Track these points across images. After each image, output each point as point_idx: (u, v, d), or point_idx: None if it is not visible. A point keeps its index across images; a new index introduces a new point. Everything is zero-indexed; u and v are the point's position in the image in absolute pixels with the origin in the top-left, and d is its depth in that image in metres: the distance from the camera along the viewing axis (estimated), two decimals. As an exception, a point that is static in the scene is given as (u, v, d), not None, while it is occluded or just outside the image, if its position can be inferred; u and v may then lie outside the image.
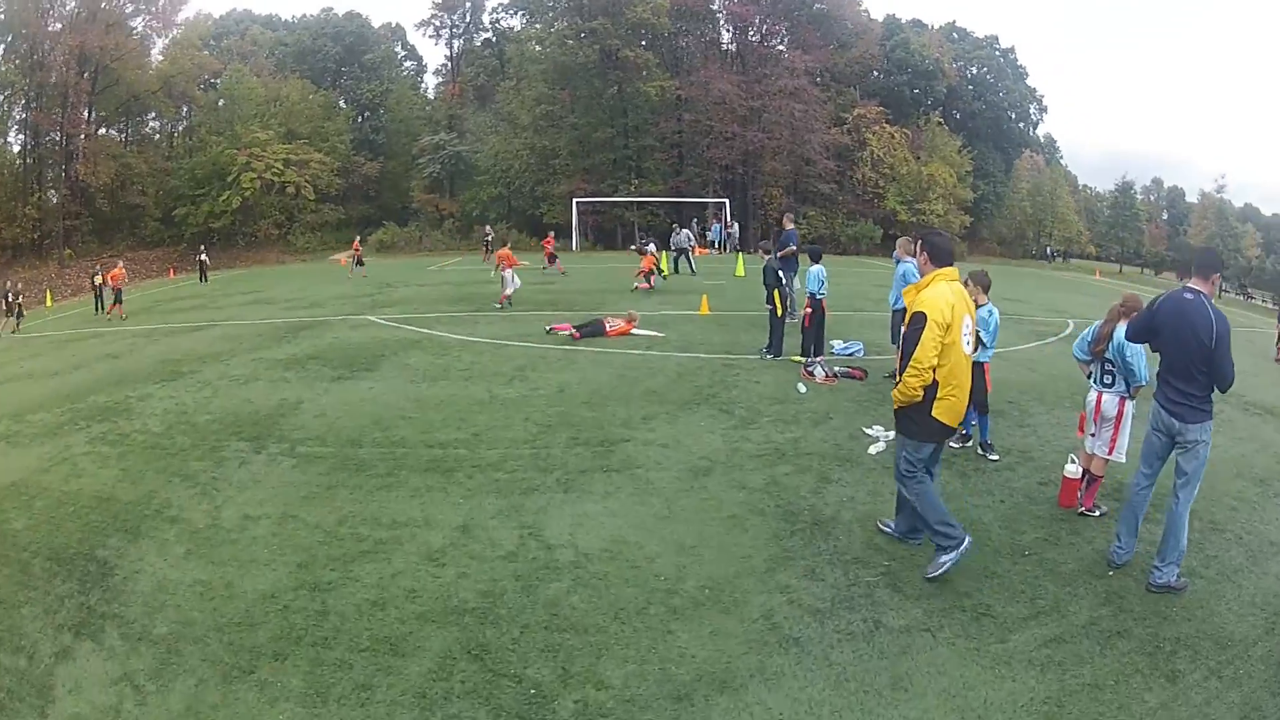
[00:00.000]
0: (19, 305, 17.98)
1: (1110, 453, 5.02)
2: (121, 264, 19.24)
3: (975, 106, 48.58)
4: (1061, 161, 64.01)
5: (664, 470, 5.88)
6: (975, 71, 49.99)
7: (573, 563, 4.47)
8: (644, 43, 37.57)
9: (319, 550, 4.70)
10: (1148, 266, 64.28)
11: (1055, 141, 63.50)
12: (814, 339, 9.23)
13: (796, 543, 4.67)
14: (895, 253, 9.02)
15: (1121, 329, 4.81)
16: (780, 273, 9.72)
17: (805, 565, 4.39)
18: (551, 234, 27.05)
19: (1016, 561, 4.43)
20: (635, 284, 16.56)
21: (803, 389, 8.13)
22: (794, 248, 12.39)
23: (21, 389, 9.95)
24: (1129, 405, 4.99)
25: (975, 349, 4.51)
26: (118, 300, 17.30)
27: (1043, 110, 54.70)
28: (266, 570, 4.48)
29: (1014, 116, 52.12)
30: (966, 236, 45.99)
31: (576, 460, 6.12)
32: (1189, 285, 4.05)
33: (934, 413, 4.04)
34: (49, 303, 25.26)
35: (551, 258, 22.15)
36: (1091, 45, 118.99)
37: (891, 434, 5.94)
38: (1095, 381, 5.12)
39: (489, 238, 29.54)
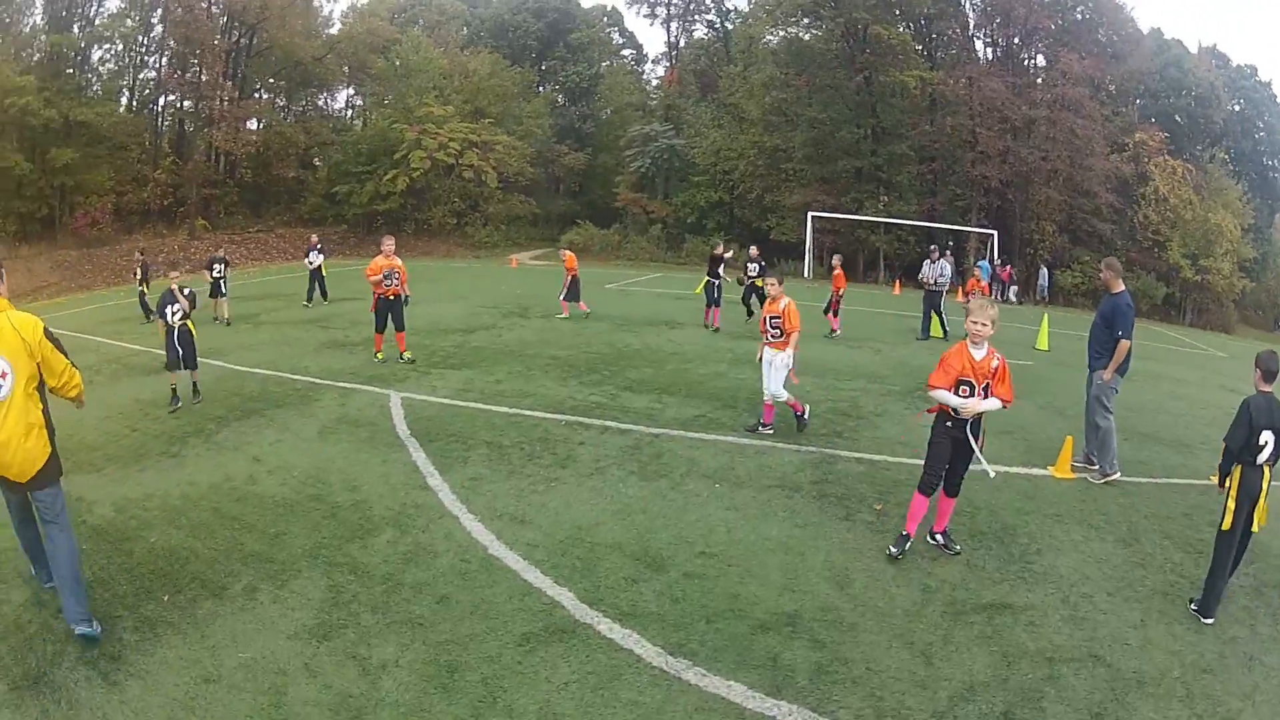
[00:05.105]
0: (145, 282, 13.47)
1: None
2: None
3: (1243, 145, 40.73)
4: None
5: None
6: (1239, 106, 42.22)
7: None
8: (898, 23, 31.01)
9: None
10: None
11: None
12: None
13: None
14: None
15: None
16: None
17: None
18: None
19: None
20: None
21: None
22: (1125, 339, 6.35)
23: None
24: None
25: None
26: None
27: (1304, 157, 46.10)
28: None
29: (1277, 163, 43.93)
30: (1239, 303, 38.04)
31: None
32: None
33: None
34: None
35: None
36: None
37: None
38: None
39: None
